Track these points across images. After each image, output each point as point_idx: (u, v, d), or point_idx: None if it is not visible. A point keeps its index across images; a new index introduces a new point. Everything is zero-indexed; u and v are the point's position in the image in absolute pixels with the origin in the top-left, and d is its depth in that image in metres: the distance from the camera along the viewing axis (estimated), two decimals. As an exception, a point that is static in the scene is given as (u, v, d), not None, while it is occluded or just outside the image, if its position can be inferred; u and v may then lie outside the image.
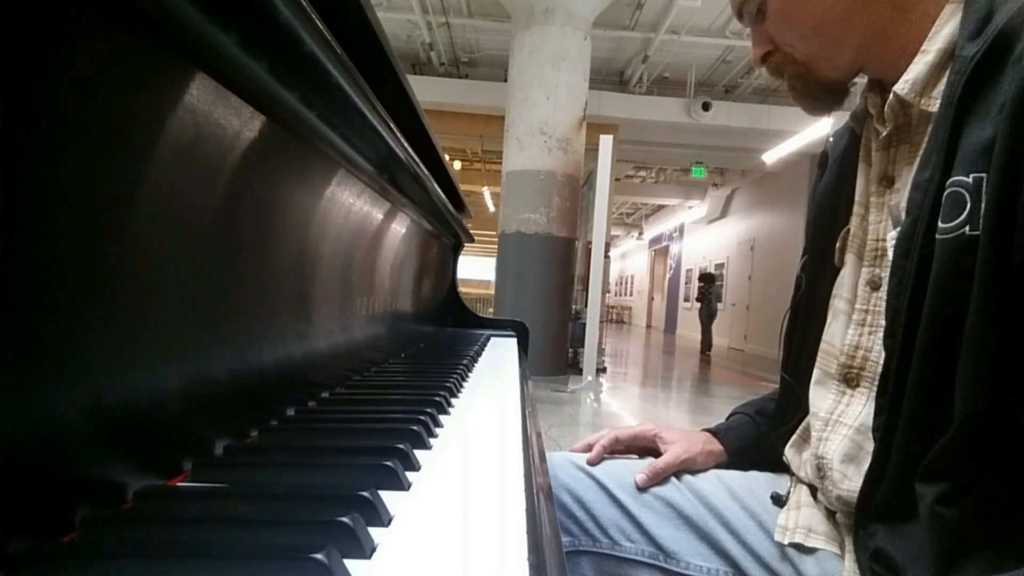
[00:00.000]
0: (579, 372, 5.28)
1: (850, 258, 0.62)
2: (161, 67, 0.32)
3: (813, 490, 0.63)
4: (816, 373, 0.64)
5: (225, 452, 0.41)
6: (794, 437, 0.67)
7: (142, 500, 0.31)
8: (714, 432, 0.77)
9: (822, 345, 0.64)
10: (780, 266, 9.35)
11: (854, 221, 0.62)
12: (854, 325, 0.59)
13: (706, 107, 7.46)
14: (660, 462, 0.70)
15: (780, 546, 0.61)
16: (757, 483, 0.69)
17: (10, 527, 0.24)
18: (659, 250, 17.84)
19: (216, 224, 0.40)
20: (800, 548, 0.60)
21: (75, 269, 0.27)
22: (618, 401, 4.77)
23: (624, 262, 23.81)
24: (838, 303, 0.63)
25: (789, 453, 0.67)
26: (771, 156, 7.90)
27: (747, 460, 0.75)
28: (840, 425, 0.58)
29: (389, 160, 0.67)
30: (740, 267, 11.40)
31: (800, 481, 0.65)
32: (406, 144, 0.67)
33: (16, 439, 0.24)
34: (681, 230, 15.37)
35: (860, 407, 0.57)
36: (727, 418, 0.80)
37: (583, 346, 5.28)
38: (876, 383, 0.53)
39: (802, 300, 0.69)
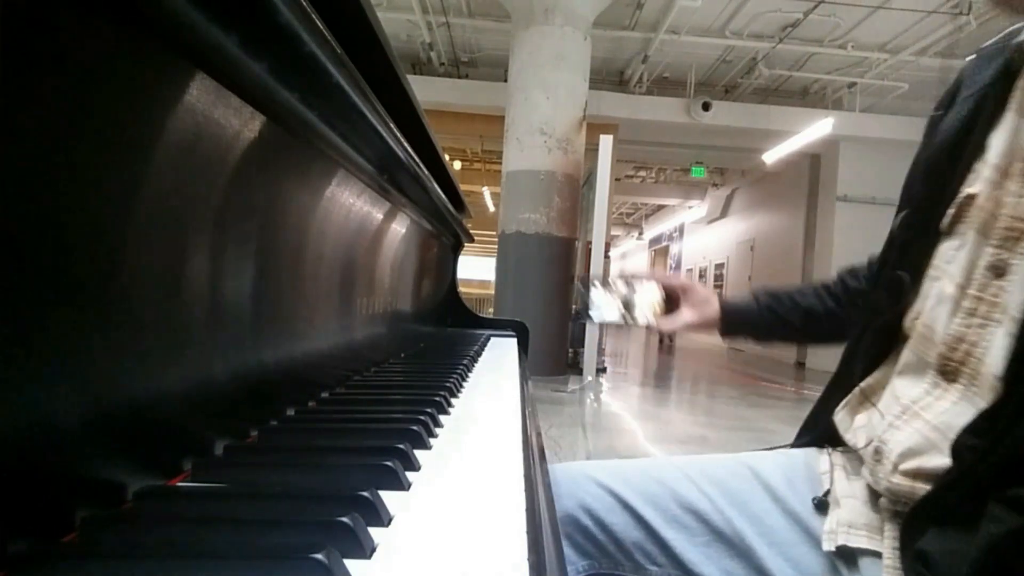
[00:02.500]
0: (579, 372, 5.28)
1: (970, 234, 0.51)
2: (161, 67, 0.32)
3: (852, 460, 0.58)
4: (908, 355, 0.56)
5: (225, 452, 0.41)
6: (850, 397, 0.61)
7: (142, 500, 0.31)
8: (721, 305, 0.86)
9: (919, 328, 0.56)
10: (780, 266, 9.35)
11: (983, 187, 0.51)
12: (963, 314, 0.50)
13: (706, 107, 7.46)
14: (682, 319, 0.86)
15: (828, 557, 0.55)
16: (795, 472, 0.62)
17: (10, 527, 0.24)
18: (659, 250, 17.84)
19: (216, 224, 0.40)
20: (845, 555, 0.54)
21: (75, 268, 0.27)
22: (618, 401, 4.76)
23: (624, 262, 23.82)
24: (944, 285, 0.53)
25: (841, 414, 0.61)
26: (771, 156, 7.90)
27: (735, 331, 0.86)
28: (917, 418, 0.52)
29: (389, 160, 0.67)
30: (740, 267, 11.39)
31: (844, 451, 0.59)
32: (406, 144, 0.67)
33: (16, 439, 0.24)
34: (681, 230, 15.36)
35: (949, 404, 0.50)
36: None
37: (583, 346, 5.28)
38: (976, 382, 0.47)
39: (886, 270, 0.60)
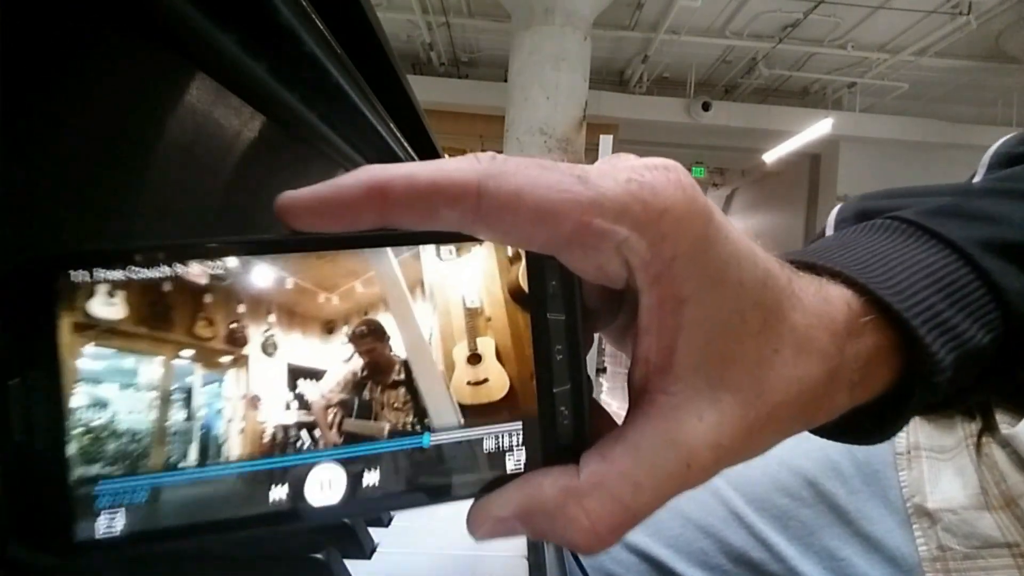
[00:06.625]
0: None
1: None
2: (161, 67, 0.32)
3: (945, 434, 0.42)
4: None
5: (225, 452, 0.41)
6: None
7: (142, 500, 0.31)
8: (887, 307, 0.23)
9: None
10: (780, 266, 9.35)
11: None
12: None
13: (706, 107, 7.47)
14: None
15: None
16: (857, 469, 0.46)
17: (9, 527, 0.24)
18: (659, 250, 17.84)
19: (216, 224, 0.40)
20: None
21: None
22: (618, 401, 4.77)
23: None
24: None
25: None
26: (771, 156, 7.91)
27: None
28: None
29: (389, 160, 0.67)
30: (740, 267, 11.39)
31: (936, 422, 0.43)
32: (406, 144, 0.67)
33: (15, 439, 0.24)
34: (681, 230, 15.37)
35: None
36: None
37: (583, 346, 5.28)
38: None
39: None
